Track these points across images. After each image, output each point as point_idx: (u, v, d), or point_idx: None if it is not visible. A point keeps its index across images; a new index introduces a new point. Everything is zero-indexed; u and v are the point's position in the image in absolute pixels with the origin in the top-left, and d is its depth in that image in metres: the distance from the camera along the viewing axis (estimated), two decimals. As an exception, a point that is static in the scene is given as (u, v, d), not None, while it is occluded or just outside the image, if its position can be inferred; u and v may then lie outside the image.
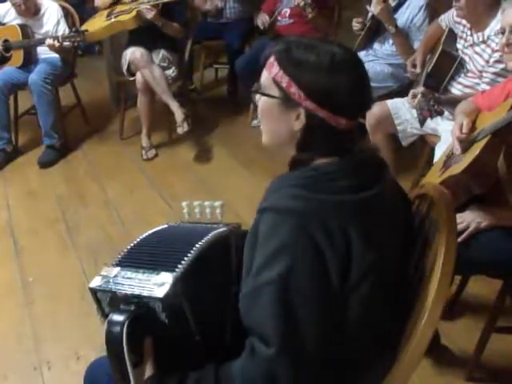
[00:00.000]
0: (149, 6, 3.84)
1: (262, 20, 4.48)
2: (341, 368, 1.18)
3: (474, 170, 1.85)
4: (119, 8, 4.03)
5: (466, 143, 1.99)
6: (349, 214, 1.13)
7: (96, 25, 4.06)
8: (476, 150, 1.88)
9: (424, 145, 3.11)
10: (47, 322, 2.62)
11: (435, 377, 2.17)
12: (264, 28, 4.47)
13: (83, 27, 4.08)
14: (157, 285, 1.21)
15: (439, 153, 2.67)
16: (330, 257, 1.09)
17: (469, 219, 1.90)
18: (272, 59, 1.21)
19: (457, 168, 1.92)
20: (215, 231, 1.42)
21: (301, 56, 1.18)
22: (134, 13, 3.87)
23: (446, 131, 2.80)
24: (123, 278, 1.28)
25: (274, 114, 1.23)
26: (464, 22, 2.86)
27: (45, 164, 4.17)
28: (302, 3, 3.95)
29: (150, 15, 3.86)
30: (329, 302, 1.11)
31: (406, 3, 3.50)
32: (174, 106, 3.99)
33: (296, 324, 1.09)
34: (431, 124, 2.90)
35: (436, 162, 2.35)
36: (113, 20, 3.95)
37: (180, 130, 3.97)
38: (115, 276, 1.29)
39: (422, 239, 1.35)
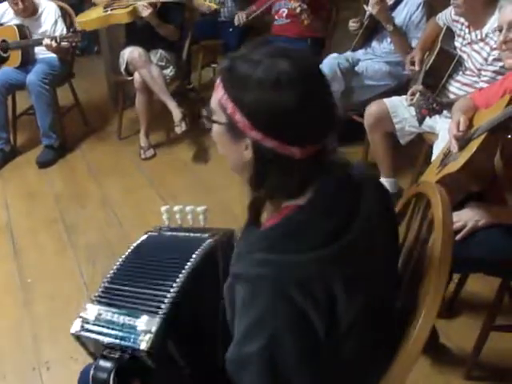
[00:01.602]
0: (146, 4, 3.84)
1: (238, 17, 4.54)
2: None
3: (471, 167, 1.85)
4: (118, 3, 4.04)
5: (463, 141, 1.99)
6: (328, 270, 1.02)
7: (91, 15, 4.09)
8: (473, 147, 1.87)
9: (422, 143, 3.11)
10: (46, 322, 2.62)
11: (434, 375, 2.17)
12: (238, 25, 4.54)
13: (78, 17, 4.13)
14: (139, 334, 1.18)
15: (437, 151, 2.67)
16: (313, 316, 1.01)
17: (466, 218, 1.90)
18: (218, 79, 1.09)
19: (454, 166, 1.92)
20: (200, 248, 1.36)
21: (243, 74, 1.03)
22: (130, 8, 3.89)
23: (443, 129, 2.80)
24: (104, 322, 1.25)
25: (224, 141, 1.12)
26: (462, 20, 2.86)
27: (43, 164, 4.16)
28: (298, 9, 3.96)
29: (145, 13, 3.84)
30: (318, 360, 1.06)
31: (404, 1, 3.50)
32: (172, 106, 3.99)
33: None
34: (429, 122, 2.90)
35: (433, 160, 2.34)
36: (109, 12, 3.97)
37: (178, 130, 3.96)
38: (96, 319, 1.26)
39: (419, 238, 1.35)
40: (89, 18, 4.06)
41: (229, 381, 1.12)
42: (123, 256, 1.43)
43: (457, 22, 2.92)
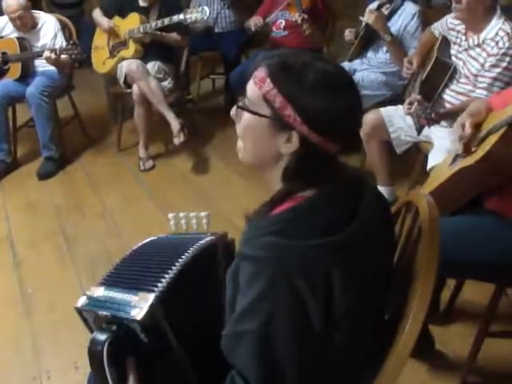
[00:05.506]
0: (141, 35, 4.01)
1: (254, 21, 4.38)
2: None
3: (491, 159, 1.85)
4: (115, 42, 4.21)
5: (476, 141, 2.00)
6: (330, 257, 1.06)
7: (104, 66, 4.33)
8: (492, 140, 1.87)
9: (418, 152, 3.13)
10: (46, 332, 2.64)
11: (430, 381, 2.19)
12: (256, 30, 4.39)
13: (96, 68, 4.40)
14: (134, 307, 1.23)
15: (433, 160, 2.70)
16: (311, 304, 1.05)
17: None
18: (263, 73, 1.11)
19: (471, 159, 1.92)
20: (200, 242, 1.43)
21: (298, 75, 1.08)
22: (132, 48, 4.10)
23: (438, 138, 2.83)
24: (106, 298, 1.31)
25: (259, 133, 1.15)
26: (458, 28, 2.88)
27: (43, 176, 4.19)
28: (299, 19, 4.00)
29: (147, 40, 4.04)
30: (310, 348, 1.08)
31: (399, 11, 3.55)
32: (170, 117, 3.99)
33: (277, 372, 1.07)
34: (425, 131, 2.93)
35: (443, 160, 2.31)
36: (118, 56, 4.19)
37: (176, 141, 3.97)
38: (99, 296, 1.33)
39: (408, 247, 1.37)
40: (107, 69, 4.31)
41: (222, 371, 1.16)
42: (132, 249, 1.52)
43: (453, 30, 2.93)
